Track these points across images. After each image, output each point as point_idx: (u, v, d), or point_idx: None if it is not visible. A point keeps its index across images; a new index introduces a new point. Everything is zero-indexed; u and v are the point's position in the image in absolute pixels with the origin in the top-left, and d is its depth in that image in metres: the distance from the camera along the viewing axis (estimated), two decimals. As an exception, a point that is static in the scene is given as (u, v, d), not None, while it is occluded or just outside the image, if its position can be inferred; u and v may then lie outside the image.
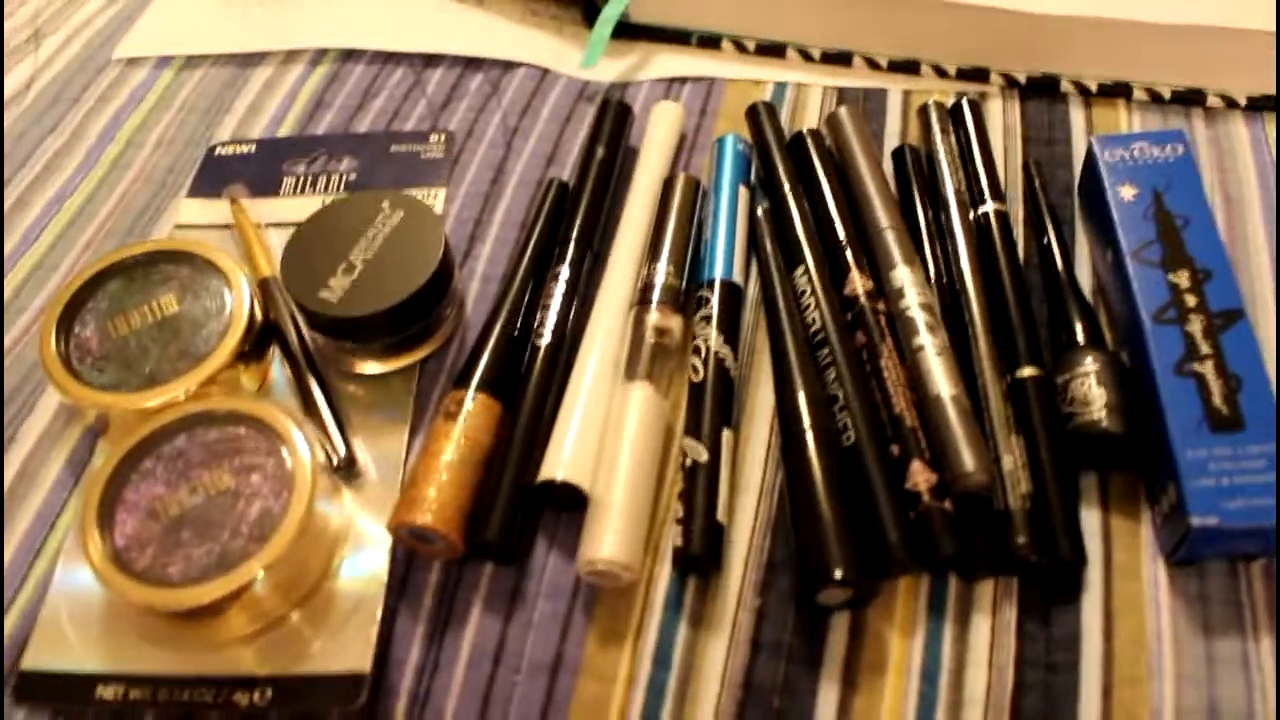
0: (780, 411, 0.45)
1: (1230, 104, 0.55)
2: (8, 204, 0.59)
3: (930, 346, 0.44)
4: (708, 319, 0.47)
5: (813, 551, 0.39)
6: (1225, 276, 0.44)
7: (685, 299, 0.48)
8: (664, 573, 0.42)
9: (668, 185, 0.52)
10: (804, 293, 0.47)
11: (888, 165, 0.54)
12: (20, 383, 0.51)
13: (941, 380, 0.43)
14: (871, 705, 0.39)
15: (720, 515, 0.42)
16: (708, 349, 0.46)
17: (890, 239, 0.48)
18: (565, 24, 0.65)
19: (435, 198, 0.56)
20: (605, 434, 0.44)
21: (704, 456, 0.43)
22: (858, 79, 0.60)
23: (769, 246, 0.50)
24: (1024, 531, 0.41)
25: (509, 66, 0.63)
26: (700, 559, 0.41)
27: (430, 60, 0.64)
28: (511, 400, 0.45)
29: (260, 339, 0.49)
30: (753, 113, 0.55)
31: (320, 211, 0.49)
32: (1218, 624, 0.40)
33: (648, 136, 0.55)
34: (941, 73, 0.59)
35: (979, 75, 0.58)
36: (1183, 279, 0.44)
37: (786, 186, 0.51)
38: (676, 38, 0.63)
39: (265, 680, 0.41)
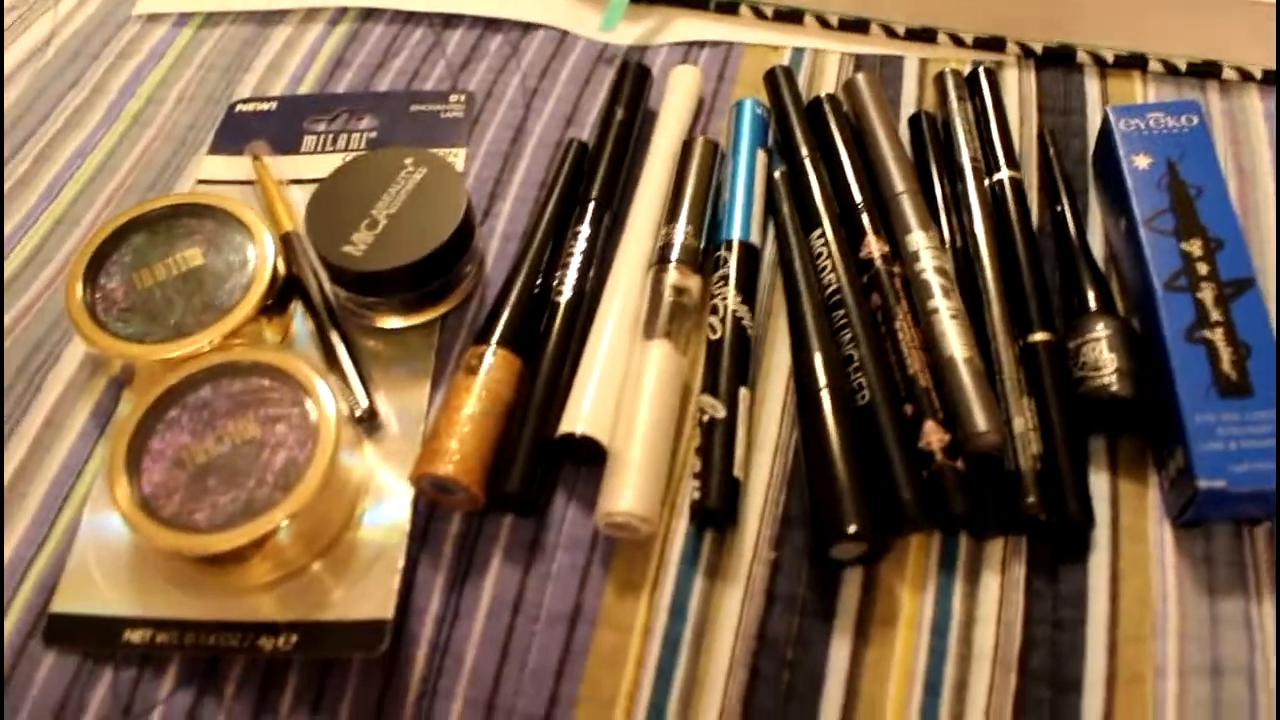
0: (796, 371, 0.46)
1: (1246, 76, 0.56)
2: (30, 157, 0.60)
3: (945, 309, 0.45)
4: (725, 279, 0.47)
5: (827, 507, 0.40)
6: (1237, 246, 0.44)
7: (703, 259, 0.49)
8: (681, 526, 0.43)
9: (687, 147, 0.53)
10: (821, 255, 0.48)
11: (904, 132, 0.55)
12: (46, 333, 0.52)
13: (955, 343, 0.44)
14: (882, 657, 0.40)
15: (737, 471, 0.43)
16: (725, 308, 0.46)
17: (906, 203, 0.49)
18: (585, -14, 0.66)
19: (455, 157, 0.56)
20: (624, 390, 0.45)
21: (721, 413, 0.43)
22: (875, 46, 0.60)
23: (786, 209, 0.51)
24: (1034, 492, 0.41)
25: (528, 28, 0.63)
26: (717, 513, 0.42)
27: (449, 20, 0.64)
28: (531, 356, 0.46)
29: (282, 293, 0.50)
30: (771, 77, 0.56)
31: (343, 167, 0.49)
32: (1221, 585, 0.40)
33: (666, 100, 0.56)
34: (958, 41, 0.59)
35: (995, 44, 0.59)
36: (1195, 248, 0.44)
37: (804, 150, 0.52)
38: (694, 2, 0.63)
39: (289, 626, 0.41)
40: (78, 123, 0.62)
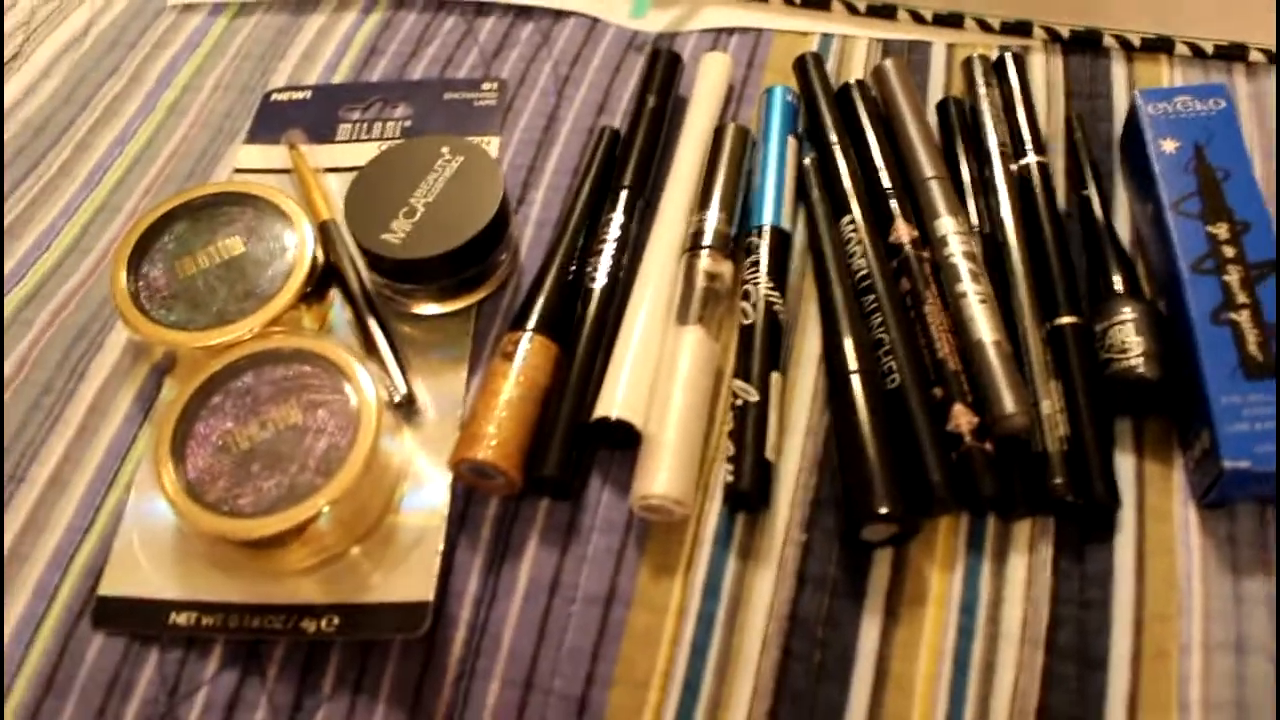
0: (827, 354, 0.47)
1: (1272, 59, 0.56)
2: (71, 144, 0.61)
3: (973, 293, 0.45)
4: (756, 264, 0.48)
5: (858, 489, 0.41)
6: (1263, 228, 0.45)
7: (735, 245, 0.50)
8: (714, 508, 0.44)
9: (718, 134, 0.53)
10: (850, 240, 0.49)
11: (932, 117, 0.55)
12: (88, 321, 0.53)
13: (983, 326, 0.45)
14: (912, 636, 0.41)
15: (769, 453, 0.43)
16: (757, 293, 0.47)
17: (935, 189, 0.49)
18: (613, -26, 0.66)
19: (489, 145, 0.57)
20: (658, 375, 0.45)
21: (754, 397, 0.44)
22: (902, 32, 0.61)
23: (816, 195, 0.51)
24: (1061, 473, 0.42)
25: (559, 15, 0.64)
26: (749, 495, 0.43)
27: (481, 8, 0.65)
28: (567, 341, 0.47)
29: (321, 280, 0.51)
30: (801, 64, 0.57)
31: (381, 156, 0.50)
32: (1245, 564, 0.41)
33: (697, 87, 0.57)
34: (985, 26, 0.60)
35: (1022, 29, 0.59)
36: (1222, 231, 0.45)
37: (834, 136, 0.52)
38: (723, -12, 0.64)
39: (331, 608, 0.43)
40: (116, 111, 0.63)
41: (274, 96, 0.61)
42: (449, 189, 0.48)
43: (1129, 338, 0.44)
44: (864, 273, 0.47)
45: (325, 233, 0.52)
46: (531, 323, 0.47)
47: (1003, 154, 0.51)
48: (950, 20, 0.60)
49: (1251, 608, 0.40)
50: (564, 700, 0.41)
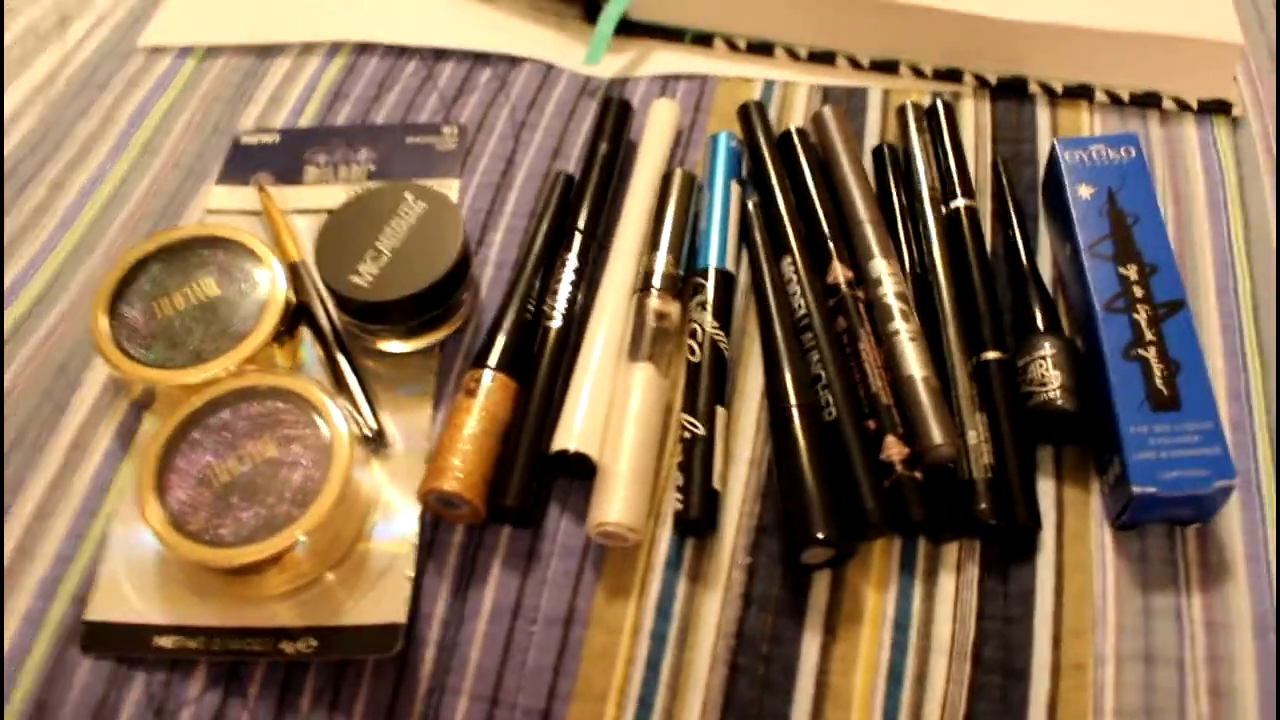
0: (769, 389, 0.50)
1: (1183, 107, 0.60)
2: (45, 183, 0.63)
3: (904, 332, 0.49)
4: (703, 304, 0.51)
5: (798, 515, 0.44)
6: (1170, 270, 0.48)
7: (682, 286, 0.53)
8: (665, 535, 0.47)
9: (666, 180, 0.57)
10: (790, 281, 0.52)
11: (868, 162, 0.59)
12: (66, 359, 0.55)
13: (914, 362, 0.48)
14: (849, 651, 0.44)
15: (715, 483, 0.47)
16: (704, 332, 0.50)
17: (869, 231, 0.53)
18: (567, 20, 0.69)
19: (450, 188, 0.60)
20: (611, 409, 0.48)
21: (701, 430, 0.47)
22: (841, 78, 0.64)
23: (759, 238, 0.54)
24: (986, 499, 0.46)
25: (515, 61, 0.67)
26: (697, 522, 0.46)
27: (441, 54, 0.68)
28: (526, 378, 0.50)
29: (292, 320, 0.53)
30: (744, 112, 0.60)
31: (347, 202, 0.53)
32: (1155, 581, 0.45)
33: (647, 133, 0.60)
34: (919, 73, 0.63)
35: (953, 76, 0.63)
36: (1132, 272, 0.48)
37: (775, 182, 0.56)
38: (672, 35, 0.67)
39: (308, 631, 0.45)
40: (89, 151, 0.65)
41: (243, 139, 0.64)
42: (413, 233, 0.51)
43: (1048, 372, 0.47)
44: (803, 312, 0.50)
45: (295, 273, 0.55)
46: (493, 360, 0.50)
47: (933, 198, 0.55)
48: (886, 66, 0.64)
49: (1159, 621, 0.44)
50: (528, 715, 0.43)
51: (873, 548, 0.46)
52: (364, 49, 0.69)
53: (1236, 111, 0.59)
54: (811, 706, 0.43)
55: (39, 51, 0.72)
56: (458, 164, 0.61)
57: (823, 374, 0.48)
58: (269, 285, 0.53)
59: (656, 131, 0.60)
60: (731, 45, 0.66)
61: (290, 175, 0.62)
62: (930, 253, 0.53)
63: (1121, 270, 0.49)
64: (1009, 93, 0.62)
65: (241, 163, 0.63)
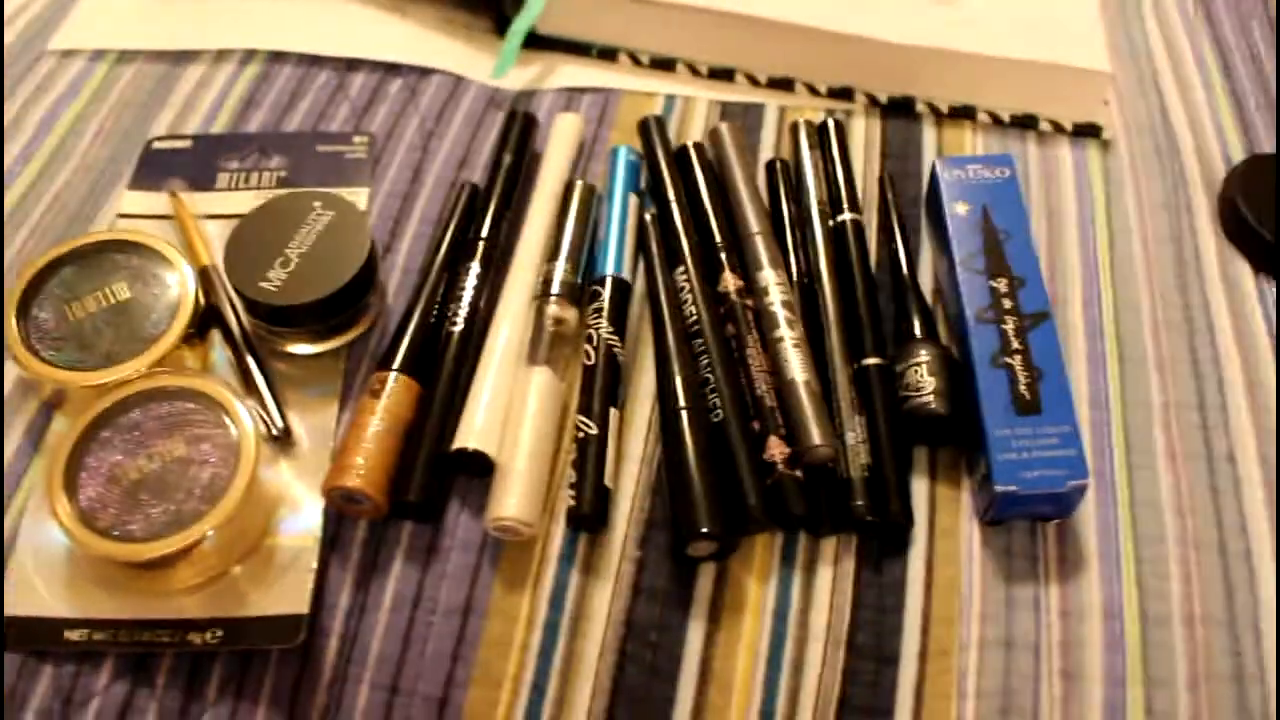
0: (660, 392, 0.52)
1: (1059, 129, 0.63)
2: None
3: (789, 338, 0.52)
4: (599, 311, 0.54)
5: (684, 511, 0.47)
6: (1036, 284, 0.51)
7: (580, 293, 0.55)
8: (559, 529, 0.49)
9: (567, 190, 0.59)
10: (683, 289, 0.54)
11: (763, 176, 0.61)
12: (-24, 359, 0.56)
13: (797, 367, 0.51)
14: (732, 639, 0.47)
15: (607, 481, 0.49)
16: (599, 337, 0.53)
17: (759, 243, 0.56)
18: (476, 33, 0.71)
19: (359, 196, 0.61)
20: (510, 410, 0.51)
21: (594, 430, 0.50)
22: (739, 94, 0.67)
23: (654, 248, 0.57)
24: (862, 496, 0.48)
25: (425, 73, 0.68)
26: (590, 517, 0.48)
27: (352, 64, 0.69)
28: (428, 379, 0.52)
29: (202, 323, 0.55)
30: (644, 127, 0.62)
31: (258, 209, 0.55)
32: (1017, 573, 0.48)
33: (550, 145, 0.62)
34: (813, 91, 0.66)
35: (846, 94, 0.66)
36: (1001, 285, 0.51)
37: (671, 194, 0.58)
38: (578, 49, 0.69)
39: (214, 622, 0.47)
40: (-1, 154, 0.65)
41: (156, 145, 0.65)
42: (321, 240, 0.53)
43: (923, 378, 0.50)
44: (694, 319, 0.53)
45: (206, 277, 0.56)
46: (397, 363, 0.52)
47: (821, 211, 0.58)
48: (783, 84, 0.67)
49: (1019, 611, 0.47)
50: (427, 701, 0.46)
51: (755, 542, 0.49)
52: (277, 57, 0.70)
53: (1107, 135, 0.63)
54: (695, 691, 0.46)
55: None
56: (367, 172, 0.63)
57: (711, 378, 0.51)
58: (180, 289, 0.54)
59: (559, 144, 0.62)
60: (635, 60, 0.68)
61: (202, 181, 0.63)
62: (817, 263, 0.56)
63: (992, 283, 0.52)
64: (898, 112, 0.65)
65: (154, 168, 0.64)
